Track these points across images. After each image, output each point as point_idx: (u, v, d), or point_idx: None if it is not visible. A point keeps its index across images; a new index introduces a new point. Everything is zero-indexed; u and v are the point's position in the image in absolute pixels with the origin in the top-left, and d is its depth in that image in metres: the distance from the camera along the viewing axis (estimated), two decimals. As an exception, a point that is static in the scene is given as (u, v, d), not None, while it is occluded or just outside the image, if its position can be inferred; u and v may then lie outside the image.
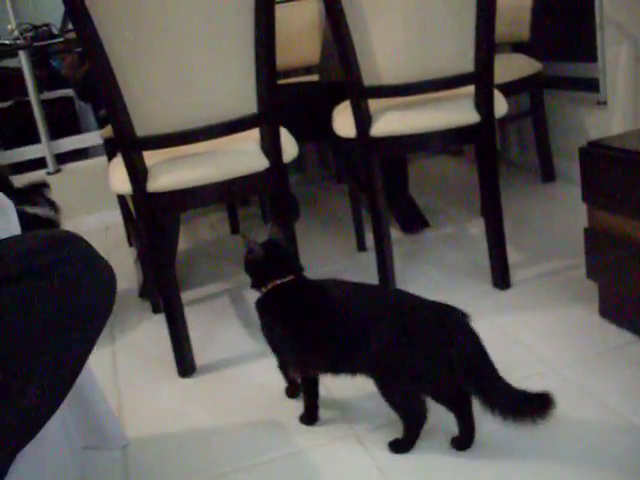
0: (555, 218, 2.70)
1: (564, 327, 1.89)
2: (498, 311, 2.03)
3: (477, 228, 2.63)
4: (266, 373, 1.91)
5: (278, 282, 1.57)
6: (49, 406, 0.95)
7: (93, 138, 3.88)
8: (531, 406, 1.37)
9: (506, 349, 1.83)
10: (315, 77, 3.23)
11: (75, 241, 0.99)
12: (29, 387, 0.89)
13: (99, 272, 0.97)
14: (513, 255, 2.23)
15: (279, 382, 1.81)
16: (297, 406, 1.72)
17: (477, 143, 2.09)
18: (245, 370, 1.96)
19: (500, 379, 1.39)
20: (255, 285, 1.63)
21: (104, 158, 3.38)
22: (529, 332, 1.90)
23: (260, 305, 1.62)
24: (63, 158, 3.87)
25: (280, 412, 1.73)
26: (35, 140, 3.80)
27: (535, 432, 1.40)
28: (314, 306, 1.53)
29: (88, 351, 0.97)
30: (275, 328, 1.59)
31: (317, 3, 3.28)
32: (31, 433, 0.93)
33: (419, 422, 1.48)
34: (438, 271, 2.36)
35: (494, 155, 2.07)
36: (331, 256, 2.65)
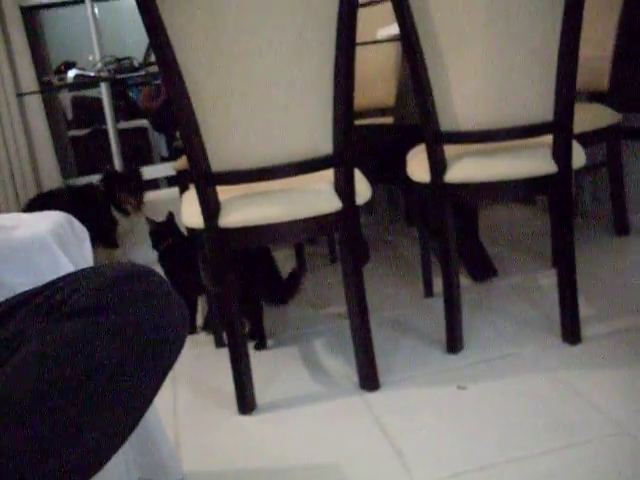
0: (629, 273, 2.62)
1: (638, 387, 1.82)
2: (567, 367, 1.97)
3: (547, 279, 2.58)
4: (327, 416, 1.89)
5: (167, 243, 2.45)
6: (113, 444, 0.93)
7: (165, 169, 3.94)
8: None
9: (574, 407, 1.77)
10: (389, 119, 3.23)
11: (150, 276, 0.99)
12: (95, 422, 0.88)
13: (173, 309, 0.96)
14: (584, 309, 2.17)
15: (340, 426, 1.78)
16: (358, 451, 1.69)
17: (552, 194, 2.05)
18: (306, 411, 1.93)
19: None
20: (154, 247, 2.47)
21: (174, 189, 3.44)
22: (600, 391, 1.83)
23: (160, 257, 2.45)
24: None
25: (339, 457, 1.70)
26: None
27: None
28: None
29: (156, 389, 0.96)
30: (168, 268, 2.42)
31: (393, 46, 3.29)
32: (94, 470, 0.92)
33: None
34: (506, 321, 2.31)
35: (570, 206, 2.02)
36: (397, 301, 2.62)
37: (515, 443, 1.65)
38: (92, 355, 0.87)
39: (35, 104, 3.48)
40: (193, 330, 2.57)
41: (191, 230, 2.05)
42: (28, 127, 3.50)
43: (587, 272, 2.54)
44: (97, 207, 3.19)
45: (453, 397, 1.90)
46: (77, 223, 1.53)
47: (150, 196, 3.80)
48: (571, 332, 2.09)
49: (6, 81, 3.40)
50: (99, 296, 0.92)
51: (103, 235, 3.23)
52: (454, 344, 2.13)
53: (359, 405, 1.91)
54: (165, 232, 2.47)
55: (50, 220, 1.42)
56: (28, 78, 3.46)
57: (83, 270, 1.04)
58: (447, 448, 1.66)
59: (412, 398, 1.92)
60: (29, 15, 3.67)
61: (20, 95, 3.39)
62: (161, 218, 2.51)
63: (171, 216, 2.50)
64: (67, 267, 1.33)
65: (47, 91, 3.54)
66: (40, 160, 3.54)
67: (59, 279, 1.01)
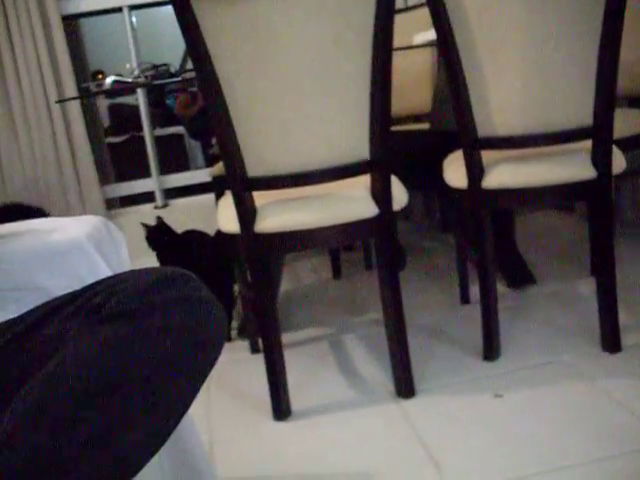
0: (670, 281, 2.57)
1: (680, 398, 1.79)
2: (606, 375, 1.93)
3: (585, 287, 2.54)
4: (363, 423, 1.87)
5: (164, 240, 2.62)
6: (150, 449, 0.92)
7: (201, 175, 3.96)
8: None
9: (615, 417, 1.74)
10: (425, 126, 3.21)
11: (189, 280, 0.98)
12: (132, 427, 0.87)
13: (211, 314, 0.95)
14: (624, 317, 2.13)
15: (376, 433, 1.77)
16: (394, 458, 1.68)
17: (592, 200, 2.02)
18: (341, 418, 1.92)
19: None
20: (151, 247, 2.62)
21: (209, 195, 3.46)
22: (641, 400, 1.80)
23: (158, 251, 2.62)
24: (169, 193, 3.98)
25: (374, 465, 1.68)
26: (146, 174, 3.92)
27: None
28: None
29: (195, 394, 0.95)
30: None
31: (429, 51, 3.28)
32: (129, 475, 0.91)
33: None
34: (544, 329, 2.28)
35: (610, 213, 1.99)
36: (433, 308, 2.60)
37: (554, 453, 1.62)
38: (130, 358, 0.87)
39: (74, 111, 3.52)
40: (228, 337, 2.57)
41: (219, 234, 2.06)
42: (68, 133, 3.55)
43: (627, 280, 2.49)
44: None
45: (490, 405, 1.87)
46: (114, 227, 1.54)
47: (185, 201, 3.84)
48: (611, 340, 2.06)
49: (49, 87, 3.45)
50: (137, 300, 0.91)
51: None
52: (491, 352, 2.10)
53: (395, 412, 1.90)
54: (159, 233, 2.63)
55: (87, 224, 1.42)
56: (68, 85, 3.50)
57: (121, 274, 1.03)
58: (484, 457, 1.64)
59: (448, 406, 1.90)
60: (69, 23, 3.72)
61: (59, 102, 3.43)
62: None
63: (160, 219, 2.63)
64: (104, 271, 1.33)
65: (85, 97, 3.58)
66: (80, 166, 3.59)
67: (97, 282, 1.01)
